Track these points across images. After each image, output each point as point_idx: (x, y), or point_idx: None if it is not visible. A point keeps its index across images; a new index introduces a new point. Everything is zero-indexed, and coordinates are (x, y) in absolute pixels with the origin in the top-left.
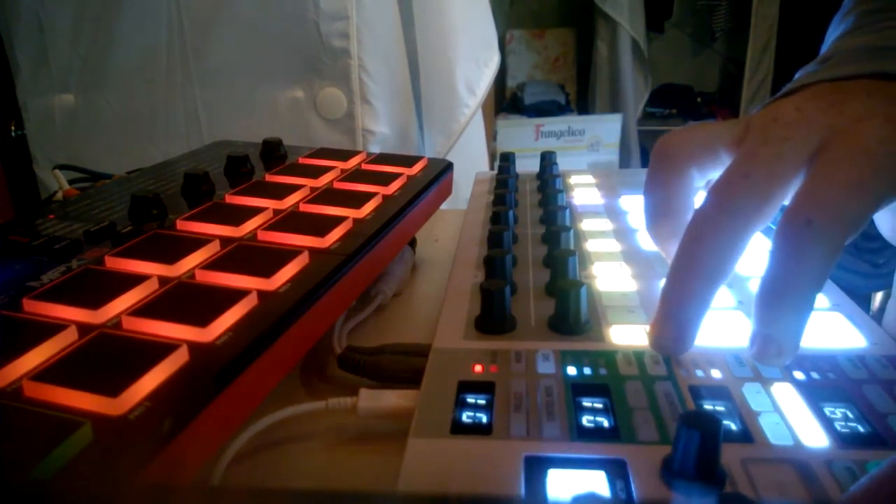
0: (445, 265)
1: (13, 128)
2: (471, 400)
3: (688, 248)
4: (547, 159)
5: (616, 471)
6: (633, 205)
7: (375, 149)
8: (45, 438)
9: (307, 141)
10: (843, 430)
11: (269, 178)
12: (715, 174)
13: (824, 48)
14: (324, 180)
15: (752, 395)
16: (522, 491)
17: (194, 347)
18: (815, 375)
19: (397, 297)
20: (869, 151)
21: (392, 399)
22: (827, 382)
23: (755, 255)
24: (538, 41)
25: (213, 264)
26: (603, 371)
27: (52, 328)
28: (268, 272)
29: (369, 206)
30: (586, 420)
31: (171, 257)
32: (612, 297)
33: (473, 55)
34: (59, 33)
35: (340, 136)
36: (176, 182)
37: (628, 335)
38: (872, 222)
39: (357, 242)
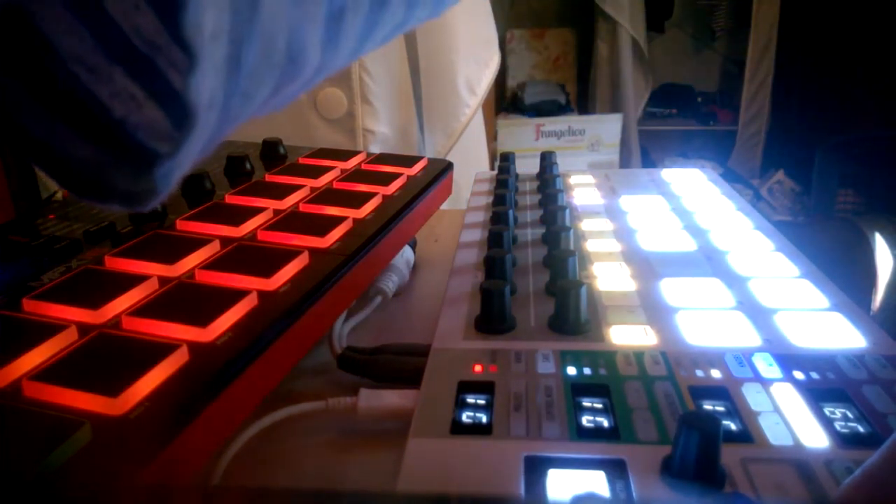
0: (445, 265)
1: None
2: (471, 400)
3: None
4: (547, 159)
5: (616, 471)
6: (633, 205)
7: (376, 149)
8: (44, 439)
9: (307, 141)
10: (843, 430)
11: (269, 178)
12: None
13: None
14: (324, 180)
15: (752, 395)
16: (522, 491)
17: (194, 347)
18: (814, 375)
19: (397, 297)
20: None
21: (392, 399)
22: (827, 382)
23: (756, 256)
24: (538, 41)
25: (213, 264)
26: (603, 371)
27: (52, 328)
28: (268, 272)
29: (369, 206)
30: (586, 420)
31: (171, 257)
32: (612, 297)
33: (474, 55)
34: None
35: (341, 136)
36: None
37: (628, 335)
38: None
39: (357, 242)
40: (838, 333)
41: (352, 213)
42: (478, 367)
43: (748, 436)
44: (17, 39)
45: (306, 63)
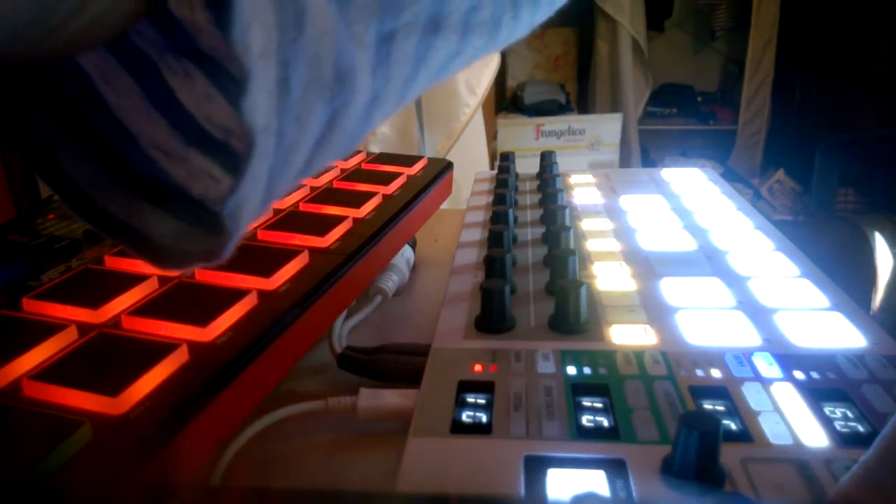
0: (445, 265)
1: None
2: (471, 399)
3: None
4: (547, 159)
5: (616, 471)
6: (633, 204)
7: (376, 148)
8: (44, 439)
9: None
10: (843, 429)
11: None
12: None
13: None
14: (324, 180)
15: (752, 394)
16: (522, 491)
17: (194, 347)
18: (814, 375)
19: (397, 297)
20: None
21: (392, 399)
22: (827, 382)
23: (756, 255)
24: (538, 41)
25: None
26: (603, 371)
27: (52, 328)
28: (268, 272)
29: (369, 206)
30: (586, 420)
31: None
32: (612, 296)
33: None
34: None
35: None
36: None
37: (628, 335)
38: None
39: (357, 242)
40: (838, 333)
41: (352, 213)
42: (478, 367)
43: (748, 435)
44: (89, 126)
45: (356, 86)
